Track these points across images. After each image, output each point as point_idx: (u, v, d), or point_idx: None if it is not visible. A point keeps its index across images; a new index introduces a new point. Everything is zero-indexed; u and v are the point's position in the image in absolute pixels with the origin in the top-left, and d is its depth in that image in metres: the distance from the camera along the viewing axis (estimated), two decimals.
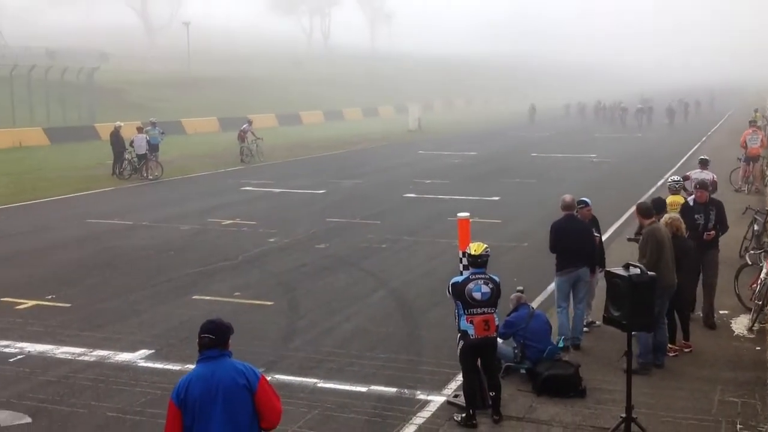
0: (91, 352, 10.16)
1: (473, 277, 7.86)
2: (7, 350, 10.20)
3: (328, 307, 12.21)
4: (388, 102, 77.18)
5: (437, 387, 8.91)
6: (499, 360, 8.74)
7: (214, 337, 5.06)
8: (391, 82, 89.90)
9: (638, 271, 7.36)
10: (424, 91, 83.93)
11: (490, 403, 8.03)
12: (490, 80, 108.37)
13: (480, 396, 8.05)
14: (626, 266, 7.50)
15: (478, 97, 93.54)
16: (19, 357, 9.98)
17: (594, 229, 10.63)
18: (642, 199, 18.17)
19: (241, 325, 11.18)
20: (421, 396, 8.68)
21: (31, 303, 12.44)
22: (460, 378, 8.60)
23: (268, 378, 8.94)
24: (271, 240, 17.41)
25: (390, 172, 30.64)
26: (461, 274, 8.31)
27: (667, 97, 71.59)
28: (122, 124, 30.49)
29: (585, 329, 10.50)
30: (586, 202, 10.74)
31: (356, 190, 25.54)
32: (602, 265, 10.54)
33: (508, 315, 9.27)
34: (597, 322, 10.46)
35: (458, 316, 7.91)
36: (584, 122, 61.99)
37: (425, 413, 8.24)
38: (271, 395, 5.11)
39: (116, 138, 28.87)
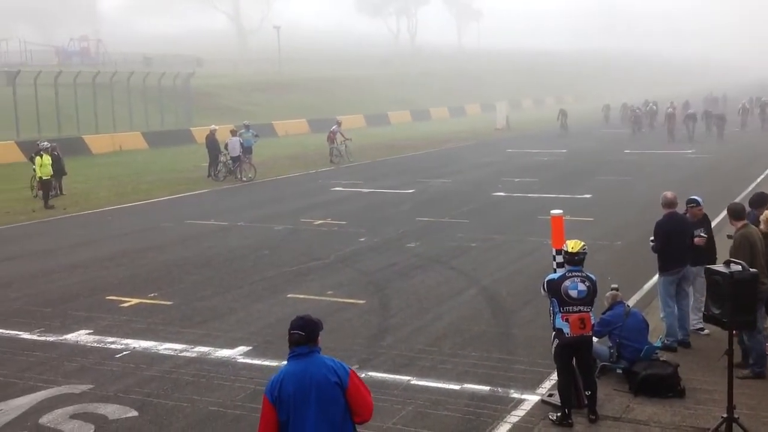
0: (192, 348, 10.51)
1: (569, 274, 7.80)
2: (113, 346, 10.65)
3: (419, 306, 12.29)
4: (475, 100, 76.81)
5: (531, 386, 8.87)
6: (595, 359, 8.64)
7: (304, 334, 5.05)
8: (479, 80, 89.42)
9: (739, 267, 7.18)
10: (513, 89, 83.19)
11: (586, 402, 7.95)
12: (580, 77, 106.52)
13: (575, 395, 7.98)
14: (727, 263, 7.32)
15: (568, 95, 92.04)
16: (124, 353, 10.40)
17: (703, 229, 10.28)
18: (741, 196, 17.64)
19: (335, 323, 11.43)
20: (515, 394, 8.66)
21: (134, 301, 12.95)
22: (554, 377, 8.56)
23: (362, 375, 9.16)
24: (362, 239, 17.61)
25: (478, 170, 30.52)
26: (555, 271, 8.26)
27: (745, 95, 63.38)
28: (217, 127, 31.35)
29: (695, 325, 10.23)
30: (697, 201, 10.37)
31: (445, 189, 25.55)
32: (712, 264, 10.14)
33: (603, 313, 9.15)
34: (706, 330, 10.16)
35: (553, 314, 7.87)
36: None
37: (519, 412, 8.22)
38: (362, 390, 5.12)
39: (211, 141, 29.68)
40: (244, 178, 28.71)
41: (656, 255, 10.07)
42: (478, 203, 22.36)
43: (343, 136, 34.43)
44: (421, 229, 18.70)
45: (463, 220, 19.63)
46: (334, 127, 34.99)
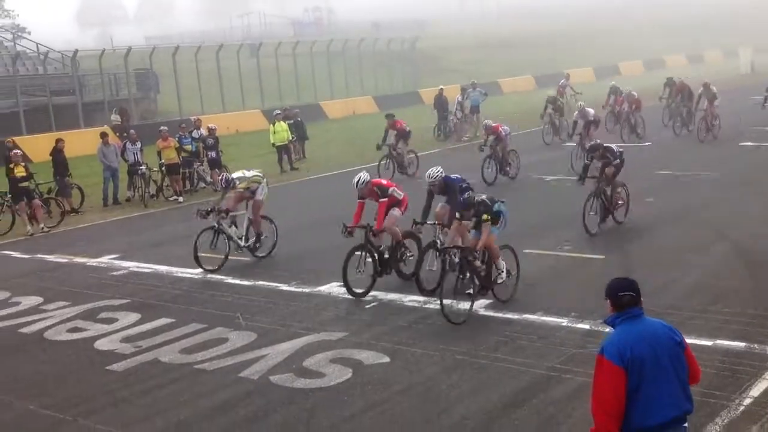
0: (436, 300, 10.83)
1: None
2: (364, 298, 11.29)
3: (663, 261, 11.90)
4: (714, 46, 71.68)
5: None
6: None
7: (635, 294, 4.81)
8: (718, 23, 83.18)
9: None
10: (758, 32, 76.62)
11: None
12: None
13: None
14: None
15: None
16: (373, 304, 11.00)
17: None
18: None
19: (574, 278, 11.41)
20: None
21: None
22: None
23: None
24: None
25: (720, 120, 28.57)
26: None
27: None
28: (444, 87, 31.82)
29: None
30: None
31: (684, 140, 24.26)
32: None
33: None
34: None
35: None
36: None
37: None
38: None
39: (439, 101, 30.22)
40: (464, 137, 28.92)
41: None
42: (722, 154, 21.09)
43: (572, 89, 33.65)
44: (662, 183, 17.98)
45: (706, 173, 18.64)
46: (562, 81, 34.32)
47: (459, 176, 12.10)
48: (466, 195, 10.97)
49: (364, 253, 11.28)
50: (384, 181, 12.40)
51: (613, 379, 4.65)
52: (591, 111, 22.22)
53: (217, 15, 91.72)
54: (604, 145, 14.80)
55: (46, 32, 56.61)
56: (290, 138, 25.06)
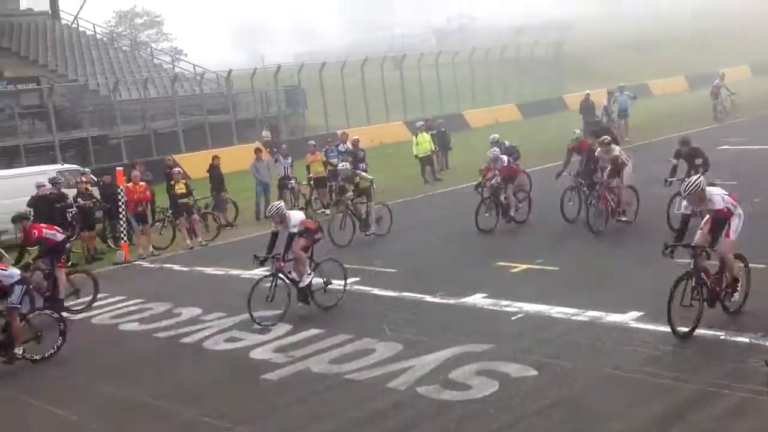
0: (583, 312, 10.65)
1: None
2: (508, 309, 11.22)
3: None
4: None
5: None
6: None
7: None
8: None
9: None
10: None
11: None
12: None
13: None
14: None
15: None
16: (519, 315, 10.92)
17: None
18: None
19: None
20: None
21: (523, 267, 13.48)
22: None
23: None
24: (757, 200, 16.33)
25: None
26: None
27: None
28: (590, 92, 31.12)
29: None
30: None
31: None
32: None
33: None
34: None
35: None
36: None
37: None
38: None
39: (585, 106, 29.62)
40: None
41: None
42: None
43: (728, 90, 32.11)
44: None
45: None
46: (716, 81, 32.83)
47: None
48: None
49: None
50: None
51: None
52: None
53: (363, 29, 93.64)
54: None
55: (202, 53, 59.67)
56: (432, 149, 25.19)
